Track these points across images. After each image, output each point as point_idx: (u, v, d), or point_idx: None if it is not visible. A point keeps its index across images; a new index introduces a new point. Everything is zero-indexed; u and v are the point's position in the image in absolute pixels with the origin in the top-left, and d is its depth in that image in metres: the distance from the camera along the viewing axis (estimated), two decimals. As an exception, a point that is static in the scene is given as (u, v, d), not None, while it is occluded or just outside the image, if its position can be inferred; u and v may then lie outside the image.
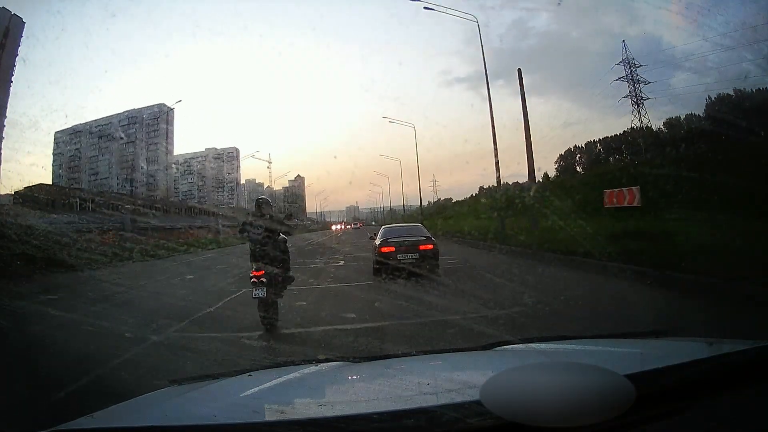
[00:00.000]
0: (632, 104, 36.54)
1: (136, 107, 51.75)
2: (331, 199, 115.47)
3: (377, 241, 10.28)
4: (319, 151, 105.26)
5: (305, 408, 1.51)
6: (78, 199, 37.95)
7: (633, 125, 36.99)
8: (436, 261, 9.91)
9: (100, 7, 78.34)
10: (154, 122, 52.42)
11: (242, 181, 62.05)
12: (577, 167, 44.29)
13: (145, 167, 51.47)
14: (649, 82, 36.24)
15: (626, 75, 36.35)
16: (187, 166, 58.89)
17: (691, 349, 1.60)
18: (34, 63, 67.59)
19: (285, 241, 6.13)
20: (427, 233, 10.70)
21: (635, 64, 36.19)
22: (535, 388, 1.00)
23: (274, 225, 5.88)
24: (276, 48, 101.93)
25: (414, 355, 2.12)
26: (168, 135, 53.39)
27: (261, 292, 5.49)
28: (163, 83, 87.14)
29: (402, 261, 9.51)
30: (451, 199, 51.32)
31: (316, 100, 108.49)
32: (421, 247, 9.77)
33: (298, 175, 67.51)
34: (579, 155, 45.07)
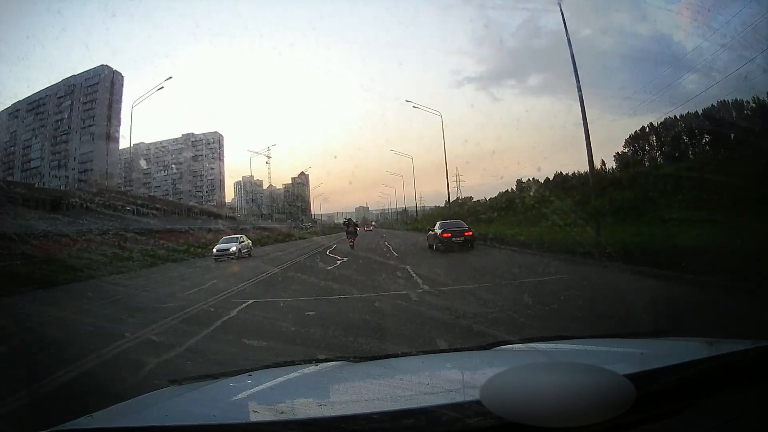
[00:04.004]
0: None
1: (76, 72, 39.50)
2: (340, 200, 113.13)
3: (439, 231, 16.65)
4: (323, 152, 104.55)
5: (305, 408, 1.51)
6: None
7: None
8: (473, 241, 16.53)
9: (100, 7, 77.75)
10: (93, 91, 39.15)
11: (225, 175, 52.00)
12: (652, 151, 35.76)
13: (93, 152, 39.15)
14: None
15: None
16: (160, 154, 48.20)
17: (691, 349, 1.60)
18: (34, 63, 67.42)
19: (356, 226, 22.55)
20: (466, 226, 17.51)
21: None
22: (535, 388, 1.00)
23: (353, 223, 22.40)
24: (276, 48, 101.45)
25: (414, 355, 2.12)
26: (112, 107, 40.16)
27: (351, 243, 20.82)
28: (161, 81, 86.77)
29: (454, 241, 16.10)
30: (471, 197, 49.44)
31: (318, 101, 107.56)
32: (465, 234, 16.47)
33: (302, 172, 61.46)
34: (653, 136, 35.72)
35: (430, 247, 17.55)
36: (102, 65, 40.11)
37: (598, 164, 35.26)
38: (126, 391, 2.70)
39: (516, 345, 2.03)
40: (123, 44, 77.86)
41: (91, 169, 40.16)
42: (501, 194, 40.98)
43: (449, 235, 16.15)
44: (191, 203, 46.23)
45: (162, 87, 34.76)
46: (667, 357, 1.49)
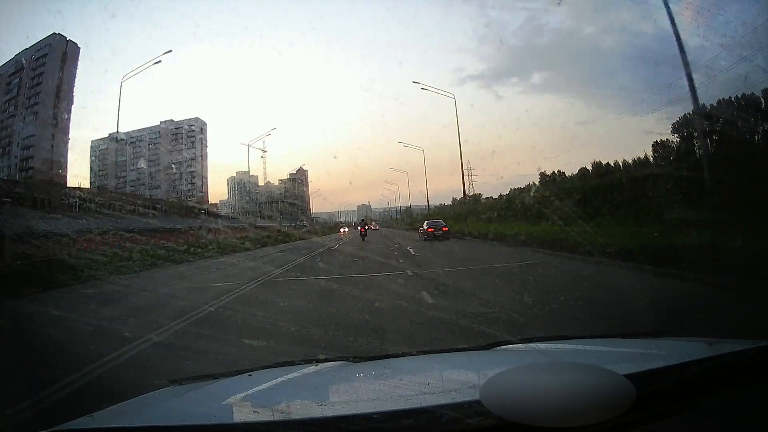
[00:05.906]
0: None
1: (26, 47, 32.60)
2: (340, 198, 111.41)
3: (425, 227, 24.06)
4: (323, 152, 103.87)
5: (305, 408, 1.51)
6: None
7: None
8: (449, 234, 23.12)
9: (100, 7, 77.37)
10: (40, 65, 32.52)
11: (209, 166, 45.35)
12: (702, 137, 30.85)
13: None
14: None
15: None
16: (136, 143, 42.35)
17: (691, 349, 1.60)
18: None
19: (365, 223, 34.35)
20: (443, 223, 24.57)
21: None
22: (535, 388, 1.00)
23: (365, 221, 35.89)
24: (276, 48, 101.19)
25: (414, 355, 2.12)
26: (62, 83, 33.25)
27: (364, 235, 28.68)
28: (161, 82, 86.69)
29: (435, 234, 22.74)
30: (480, 194, 48.09)
31: (318, 101, 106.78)
32: (443, 229, 23.28)
33: (301, 168, 57.50)
34: (705, 121, 30.37)
35: (420, 238, 24.73)
36: (53, 34, 33.05)
37: (635, 156, 33.82)
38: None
39: (516, 345, 2.03)
40: (123, 44, 77.19)
41: (32, 156, 33.21)
42: (513, 190, 40.43)
43: (432, 229, 23.30)
44: (160, 197, 40.72)
45: (159, 61, 29.73)
46: (667, 357, 1.49)
